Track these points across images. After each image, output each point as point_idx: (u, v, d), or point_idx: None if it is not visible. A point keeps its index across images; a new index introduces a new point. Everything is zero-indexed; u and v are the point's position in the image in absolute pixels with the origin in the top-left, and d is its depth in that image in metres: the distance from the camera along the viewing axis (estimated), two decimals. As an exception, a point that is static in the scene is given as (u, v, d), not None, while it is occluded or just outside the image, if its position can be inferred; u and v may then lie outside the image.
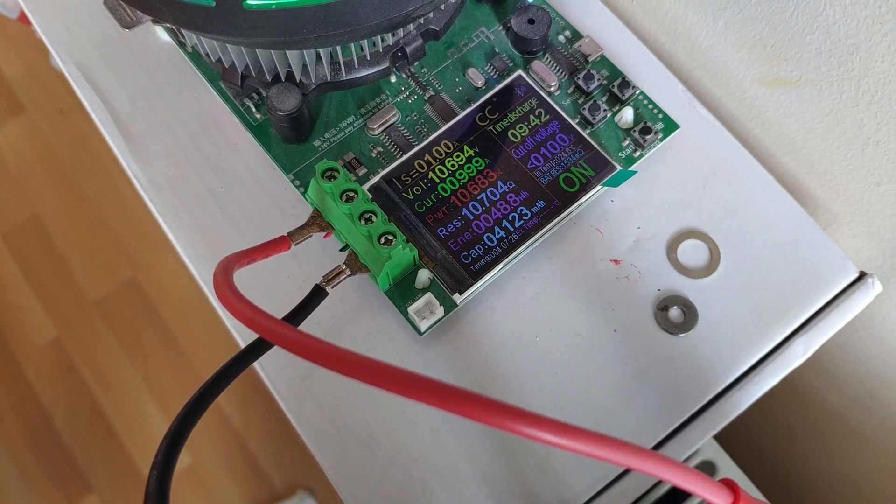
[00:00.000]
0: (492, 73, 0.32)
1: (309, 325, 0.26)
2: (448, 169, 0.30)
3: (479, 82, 0.32)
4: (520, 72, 0.31)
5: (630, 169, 0.30)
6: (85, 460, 0.79)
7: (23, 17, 0.66)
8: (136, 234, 0.87)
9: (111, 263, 0.86)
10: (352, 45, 0.29)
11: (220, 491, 0.78)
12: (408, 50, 0.30)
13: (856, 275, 0.30)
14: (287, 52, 0.28)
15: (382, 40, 0.29)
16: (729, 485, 0.21)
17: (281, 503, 0.77)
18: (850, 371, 0.38)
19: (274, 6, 0.22)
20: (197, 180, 0.31)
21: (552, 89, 0.31)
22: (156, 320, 0.84)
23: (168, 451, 0.21)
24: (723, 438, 0.37)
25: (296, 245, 0.27)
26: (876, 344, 0.36)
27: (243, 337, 0.29)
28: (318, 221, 0.28)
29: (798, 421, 0.45)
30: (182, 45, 0.32)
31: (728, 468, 0.39)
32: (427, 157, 0.30)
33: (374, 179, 0.29)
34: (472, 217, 0.29)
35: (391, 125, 0.31)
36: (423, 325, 0.28)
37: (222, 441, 0.79)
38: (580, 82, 0.31)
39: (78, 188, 0.89)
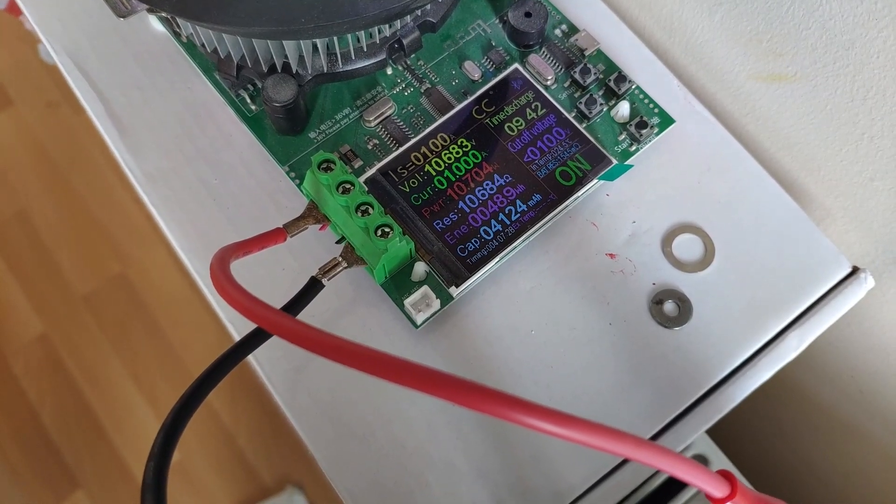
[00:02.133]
0: (488, 66, 0.32)
1: (304, 318, 0.26)
2: (444, 162, 0.30)
3: (476, 75, 0.32)
4: (516, 65, 0.31)
5: (626, 163, 0.30)
6: (73, 456, 0.79)
7: (11, 7, 0.66)
8: (124, 228, 0.87)
9: (99, 258, 0.86)
10: (349, 36, 0.28)
11: (209, 487, 0.78)
12: (404, 42, 0.30)
13: (849, 269, 0.30)
14: (284, 42, 0.28)
15: (379, 32, 0.29)
16: (726, 476, 0.21)
17: (270, 499, 0.77)
18: (842, 365, 0.38)
19: (273, -5, 0.22)
20: (191, 172, 0.31)
21: (548, 83, 0.31)
22: (144, 315, 0.84)
23: (165, 442, 0.21)
24: (714, 433, 0.37)
25: (291, 237, 0.27)
26: (867, 338, 0.36)
27: (238, 329, 0.29)
28: (313, 213, 0.28)
29: (789, 415, 0.45)
30: (176, 35, 0.32)
31: (720, 462, 0.39)
32: (423, 149, 0.30)
33: (370, 172, 0.29)
34: (468, 210, 0.29)
35: (387, 117, 0.31)
36: (420, 318, 0.28)
37: (211, 437, 0.79)
38: (576, 76, 0.31)
39: (66, 182, 0.89)
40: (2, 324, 0.83)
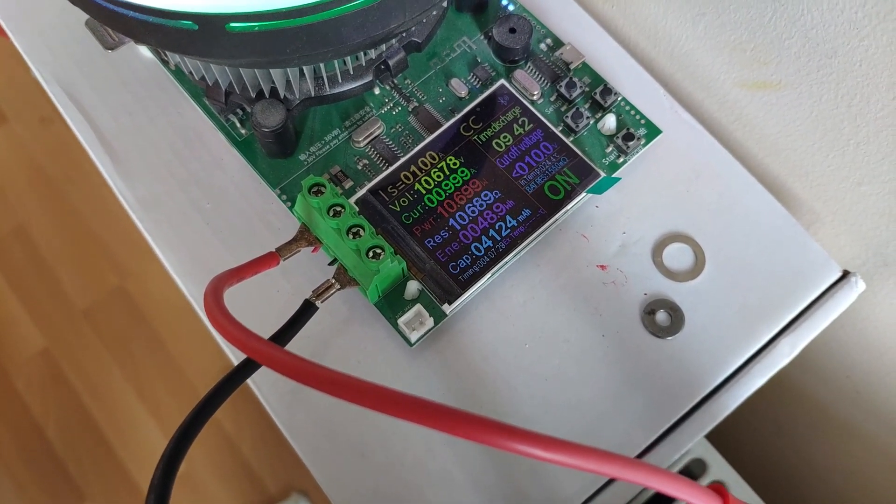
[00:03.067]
0: (475, 83, 0.32)
1: (299, 339, 0.27)
2: (434, 180, 0.30)
3: (463, 92, 0.32)
4: (502, 81, 0.31)
5: (614, 175, 0.30)
6: (78, 470, 0.79)
7: (1, 31, 0.66)
8: (122, 241, 0.87)
9: (98, 272, 0.86)
10: (335, 60, 0.29)
11: (215, 496, 0.78)
12: (390, 63, 0.30)
13: (839, 274, 0.30)
14: (270, 69, 0.28)
15: (365, 54, 0.30)
16: (718, 490, 0.21)
17: (276, 506, 0.77)
18: (837, 366, 0.39)
19: (256, 28, 0.22)
20: (183, 197, 0.31)
21: (535, 98, 0.32)
22: (144, 328, 0.84)
23: (165, 473, 0.21)
24: (713, 435, 0.38)
25: (284, 260, 0.27)
26: (861, 339, 0.36)
27: (235, 354, 0.29)
28: (305, 236, 0.28)
29: (787, 416, 0.45)
30: (165, 63, 0.32)
31: (718, 466, 0.39)
32: (413, 168, 0.30)
33: (361, 192, 0.30)
34: (458, 227, 0.29)
35: (376, 137, 0.31)
36: (413, 337, 0.28)
37: (215, 446, 0.79)
38: (562, 90, 0.31)
39: (62, 197, 0.89)
40: (3, 339, 0.83)
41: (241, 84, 0.29)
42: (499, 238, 0.29)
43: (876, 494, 0.42)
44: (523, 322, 0.29)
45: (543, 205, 0.30)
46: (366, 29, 0.24)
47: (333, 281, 0.27)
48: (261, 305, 0.30)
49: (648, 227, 0.31)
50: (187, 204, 0.31)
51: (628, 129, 0.31)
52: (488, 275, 0.29)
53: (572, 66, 0.32)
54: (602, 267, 0.30)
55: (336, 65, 0.29)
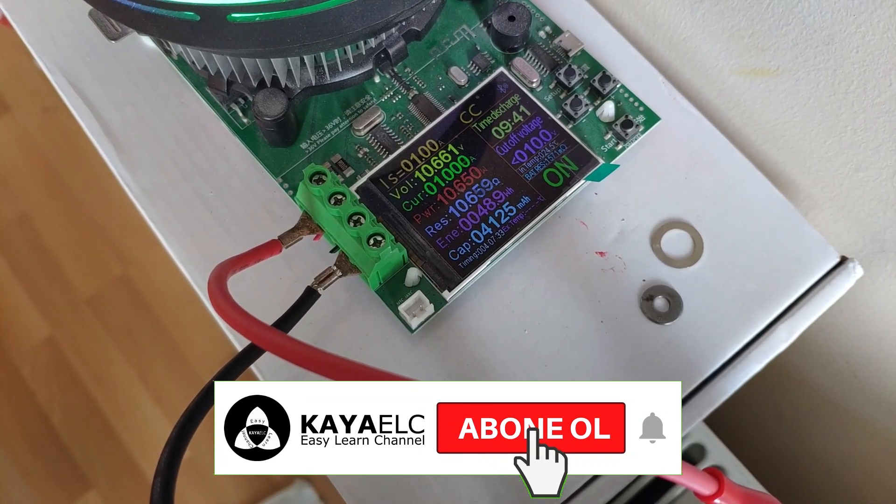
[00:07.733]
0: (474, 71, 0.32)
1: (302, 325, 0.27)
2: (434, 168, 0.30)
3: (462, 80, 0.32)
4: (501, 69, 0.32)
5: (612, 163, 0.31)
6: (83, 457, 0.80)
7: (5, 20, 0.66)
8: (125, 229, 0.87)
9: (101, 260, 0.86)
10: (335, 49, 0.29)
11: (219, 483, 0.79)
12: (390, 51, 0.31)
13: (837, 260, 0.30)
14: (272, 59, 0.28)
15: (365, 43, 0.30)
16: (714, 474, 0.21)
17: (279, 493, 0.78)
18: (836, 351, 0.39)
19: (258, 19, 0.23)
20: (186, 186, 0.32)
21: (534, 85, 0.32)
22: (148, 315, 0.84)
23: (170, 459, 0.22)
24: (712, 420, 0.38)
25: (286, 248, 0.27)
26: (859, 325, 0.36)
27: (239, 340, 0.29)
28: (307, 224, 0.28)
29: (786, 400, 0.45)
30: (168, 53, 0.32)
31: (717, 450, 0.39)
32: (413, 156, 0.30)
33: (362, 180, 0.30)
34: (458, 215, 0.29)
35: (376, 126, 0.31)
36: (414, 323, 0.28)
37: (219, 433, 0.79)
38: (561, 78, 0.31)
39: (65, 185, 0.89)
40: (8, 328, 0.84)
41: (243, 73, 0.29)
42: (498, 225, 0.29)
43: (874, 477, 0.43)
44: (522, 308, 0.30)
45: (542, 192, 0.30)
46: (365, 18, 0.24)
47: (335, 268, 0.28)
48: (264, 293, 0.30)
49: (647, 214, 0.31)
50: (190, 193, 0.31)
51: (627, 116, 0.31)
52: (488, 262, 0.29)
53: (571, 54, 0.32)
54: (601, 254, 0.30)
55: (336, 54, 0.29)
